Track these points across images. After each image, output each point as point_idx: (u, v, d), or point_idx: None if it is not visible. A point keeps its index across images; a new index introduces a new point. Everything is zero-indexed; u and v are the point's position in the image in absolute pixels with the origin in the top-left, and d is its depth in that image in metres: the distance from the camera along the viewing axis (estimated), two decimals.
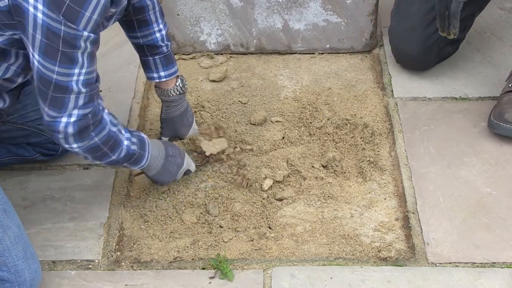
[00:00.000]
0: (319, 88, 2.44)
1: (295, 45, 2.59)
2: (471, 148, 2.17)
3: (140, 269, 1.86)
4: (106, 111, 1.71)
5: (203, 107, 2.34)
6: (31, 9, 1.46)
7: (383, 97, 2.38)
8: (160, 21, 1.97)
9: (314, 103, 2.34)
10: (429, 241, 1.89)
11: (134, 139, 1.79)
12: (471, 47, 2.56)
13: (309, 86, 2.45)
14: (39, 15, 1.46)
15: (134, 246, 1.93)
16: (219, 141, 2.16)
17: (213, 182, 2.08)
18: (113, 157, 1.74)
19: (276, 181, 2.08)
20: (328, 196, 2.04)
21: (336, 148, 2.19)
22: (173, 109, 2.12)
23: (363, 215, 1.99)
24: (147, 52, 2.01)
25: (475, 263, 1.84)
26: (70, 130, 1.62)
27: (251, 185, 2.06)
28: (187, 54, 2.61)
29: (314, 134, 2.23)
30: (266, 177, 2.08)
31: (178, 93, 2.08)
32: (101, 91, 2.39)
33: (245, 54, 2.62)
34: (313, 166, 2.13)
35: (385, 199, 2.04)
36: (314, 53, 2.61)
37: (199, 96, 2.41)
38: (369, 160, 2.14)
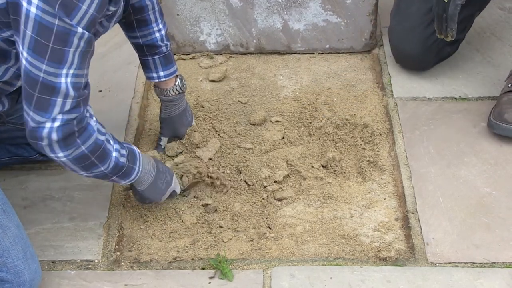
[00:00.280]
0: (319, 88, 2.44)
1: (295, 45, 2.59)
2: (471, 148, 2.17)
3: (139, 269, 1.86)
4: (94, 118, 1.65)
5: (203, 107, 2.34)
6: (24, 3, 1.43)
7: (382, 97, 2.38)
8: (159, 21, 1.96)
9: (313, 103, 2.34)
10: (429, 241, 1.89)
11: (123, 151, 1.73)
12: (471, 47, 2.56)
13: (309, 86, 2.45)
14: (33, 9, 1.43)
15: (134, 246, 1.93)
16: (211, 143, 2.17)
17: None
18: (102, 168, 1.67)
19: (276, 181, 2.08)
20: (328, 196, 2.04)
21: (336, 148, 2.19)
22: (172, 109, 2.12)
23: (362, 215, 1.99)
24: (147, 52, 2.00)
25: (475, 263, 1.84)
26: (54, 136, 1.54)
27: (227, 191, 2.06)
28: (186, 54, 2.61)
29: (313, 134, 2.23)
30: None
31: (177, 92, 2.08)
32: (100, 91, 2.41)
33: (244, 54, 2.62)
34: (312, 166, 2.13)
35: (384, 199, 2.04)
36: (313, 53, 2.61)
37: (198, 96, 2.41)
38: (368, 160, 2.14)
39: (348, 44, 2.59)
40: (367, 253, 1.88)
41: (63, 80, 1.51)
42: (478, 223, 1.94)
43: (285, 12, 2.51)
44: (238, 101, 2.39)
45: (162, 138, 2.18)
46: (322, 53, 2.61)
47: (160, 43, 1.98)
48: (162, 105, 2.14)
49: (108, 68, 2.51)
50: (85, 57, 1.55)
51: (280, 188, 2.07)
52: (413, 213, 1.97)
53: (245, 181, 2.08)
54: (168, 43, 2.02)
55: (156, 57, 2.01)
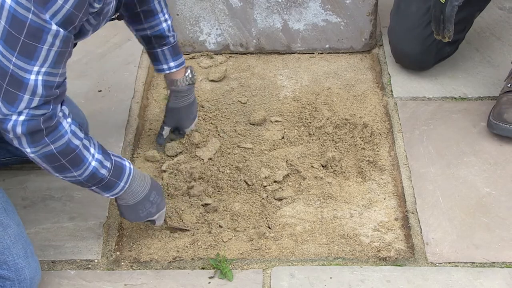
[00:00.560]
0: (319, 88, 2.44)
1: (295, 45, 2.59)
2: (470, 148, 2.17)
3: (139, 269, 1.86)
4: (68, 120, 1.59)
5: (203, 107, 2.34)
6: None
7: (382, 97, 2.38)
8: (165, 11, 1.98)
9: (313, 103, 2.34)
10: (429, 241, 1.89)
11: (106, 163, 1.67)
12: (470, 47, 2.56)
13: (309, 86, 2.45)
14: (8, 0, 1.39)
15: (134, 246, 1.93)
16: (211, 142, 2.18)
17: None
18: (75, 174, 1.62)
19: (276, 181, 2.08)
20: (328, 196, 2.04)
21: (336, 148, 2.19)
22: (181, 100, 2.13)
23: (362, 215, 1.99)
24: (155, 44, 2.01)
25: (474, 263, 1.84)
26: (18, 130, 1.51)
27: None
28: (186, 54, 2.61)
29: (313, 134, 2.23)
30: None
31: (187, 83, 2.09)
32: (100, 91, 2.41)
33: (244, 54, 2.62)
34: (312, 166, 2.13)
35: (384, 199, 2.04)
36: (313, 53, 2.61)
37: (198, 96, 2.41)
38: (368, 160, 2.14)
39: (348, 44, 2.59)
40: (367, 253, 1.88)
41: (32, 77, 1.47)
42: (478, 223, 1.94)
43: (285, 12, 2.51)
44: (238, 101, 2.39)
45: (164, 127, 2.19)
46: (322, 53, 2.61)
47: (167, 33, 2.00)
48: (171, 95, 2.15)
49: (108, 68, 2.51)
50: (61, 56, 1.50)
51: (280, 188, 2.07)
52: (412, 213, 1.97)
53: (244, 181, 2.08)
54: (175, 33, 2.03)
55: (165, 48, 2.02)
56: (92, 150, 1.64)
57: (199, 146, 2.18)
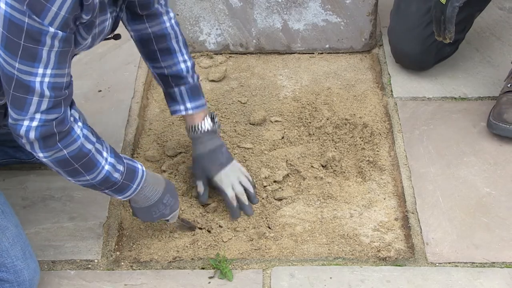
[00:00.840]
0: (319, 88, 2.44)
1: (295, 45, 2.59)
2: (470, 148, 2.17)
3: (139, 269, 1.86)
4: (79, 124, 1.58)
5: None
6: None
7: (382, 97, 2.38)
8: (184, 51, 1.89)
9: (313, 103, 2.35)
10: (429, 241, 1.89)
11: (119, 167, 1.66)
12: (470, 47, 2.56)
13: (309, 86, 2.45)
14: (2, 5, 1.37)
15: (134, 246, 1.93)
16: None
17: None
18: (88, 178, 1.61)
19: (276, 181, 2.08)
20: (328, 196, 2.04)
21: (336, 148, 2.19)
22: (201, 146, 1.97)
23: (362, 215, 1.99)
24: (172, 83, 1.91)
25: (474, 263, 1.84)
26: (32, 135, 1.50)
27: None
28: None
29: (313, 134, 2.23)
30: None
31: (205, 129, 1.95)
32: (100, 91, 2.41)
33: (244, 54, 2.62)
34: (312, 166, 2.13)
35: (384, 199, 2.04)
36: (313, 53, 2.61)
37: None
38: (368, 160, 2.14)
39: (347, 44, 2.59)
40: (367, 253, 1.88)
41: (38, 79, 1.45)
42: (478, 223, 1.94)
43: (285, 12, 2.51)
44: (238, 101, 2.39)
45: (197, 182, 2.00)
46: (322, 53, 2.61)
47: (186, 74, 1.89)
48: (192, 144, 2.01)
49: (108, 68, 2.51)
50: (63, 56, 1.48)
51: (280, 188, 2.07)
52: (412, 213, 1.97)
53: None
54: (196, 76, 1.92)
55: (182, 87, 1.91)
56: (105, 154, 1.63)
57: None
